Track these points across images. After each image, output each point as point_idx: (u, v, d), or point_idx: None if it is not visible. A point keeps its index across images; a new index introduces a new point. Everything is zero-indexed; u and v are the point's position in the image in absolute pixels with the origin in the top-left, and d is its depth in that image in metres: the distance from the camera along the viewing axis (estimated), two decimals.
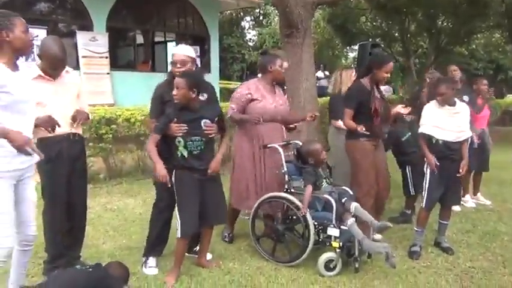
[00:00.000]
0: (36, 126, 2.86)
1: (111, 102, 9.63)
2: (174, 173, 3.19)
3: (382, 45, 17.40)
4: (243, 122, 3.90)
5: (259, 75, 4.15)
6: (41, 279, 3.14)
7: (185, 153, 3.19)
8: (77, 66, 9.89)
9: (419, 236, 3.88)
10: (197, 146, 3.19)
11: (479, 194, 5.63)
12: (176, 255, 3.29)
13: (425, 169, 3.85)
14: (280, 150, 3.73)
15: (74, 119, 3.15)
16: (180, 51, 3.46)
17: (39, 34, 7.79)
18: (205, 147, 3.23)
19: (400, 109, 3.97)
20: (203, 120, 3.22)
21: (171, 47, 12.15)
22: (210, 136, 3.26)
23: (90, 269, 2.82)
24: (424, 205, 3.87)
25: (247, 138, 3.90)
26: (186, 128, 3.15)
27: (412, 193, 4.76)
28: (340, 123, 4.36)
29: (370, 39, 16.53)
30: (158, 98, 3.43)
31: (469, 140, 5.28)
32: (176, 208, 3.22)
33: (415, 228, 3.92)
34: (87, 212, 3.56)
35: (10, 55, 2.41)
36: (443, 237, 4.03)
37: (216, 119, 3.30)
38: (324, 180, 3.76)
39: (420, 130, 3.87)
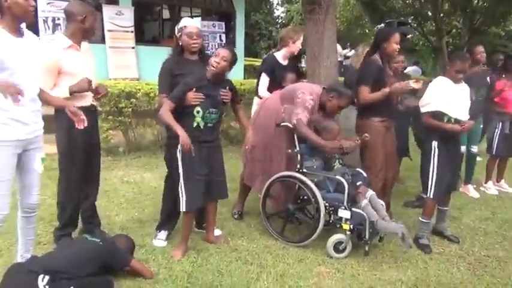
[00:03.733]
0: (72, 93, 3.00)
1: (135, 77, 9.68)
2: (179, 148, 3.14)
3: (413, 24, 16.91)
4: (310, 139, 3.54)
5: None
6: (53, 246, 3.21)
7: (201, 125, 3.18)
8: (102, 40, 9.95)
9: (426, 226, 3.68)
10: (213, 119, 3.22)
11: (502, 181, 5.45)
12: (183, 230, 3.32)
13: (432, 156, 3.58)
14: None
15: (96, 92, 3.20)
16: (193, 23, 3.42)
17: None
18: (217, 122, 3.28)
19: (412, 83, 3.79)
20: (221, 91, 3.25)
21: (198, 22, 12.08)
22: (225, 101, 3.27)
23: (100, 243, 2.87)
24: (431, 195, 3.60)
25: (269, 113, 3.85)
26: (203, 98, 3.13)
27: None
28: None
29: (402, 18, 16.07)
30: (167, 71, 3.37)
31: (499, 124, 5.11)
32: (182, 183, 3.17)
33: (421, 219, 3.68)
34: (104, 184, 3.60)
35: (10, 20, 2.40)
36: (444, 224, 3.86)
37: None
38: (337, 161, 3.70)
39: (430, 108, 3.56)
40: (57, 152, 3.21)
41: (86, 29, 3.09)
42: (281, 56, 4.30)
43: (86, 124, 2.66)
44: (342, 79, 6.63)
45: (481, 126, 5.14)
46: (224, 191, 3.45)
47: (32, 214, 2.79)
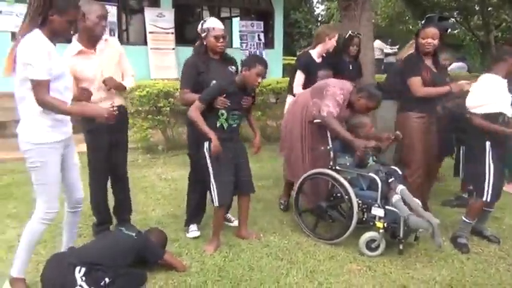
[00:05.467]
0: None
1: (175, 77, 9.91)
2: (207, 144, 3.24)
3: (458, 19, 16.32)
4: (337, 133, 3.52)
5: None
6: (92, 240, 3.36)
7: (225, 126, 3.28)
8: (144, 42, 10.25)
9: (467, 227, 3.54)
10: (235, 120, 3.33)
11: None
12: (214, 225, 3.38)
13: (487, 157, 3.38)
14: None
15: (104, 83, 3.19)
16: (220, 25, 3.46)
17: (110, 11, 8.14)
18: (240, 121, 3.39)
19: (464, 85, 3.68)
20: (244, 97, 3.35)
21: (237, 22, 12.21)
22: (245, 106, 3.37)
23: (135, 236, 2.97)
24: (488, 198, 3.38)
25: (297, 110, 3.85)
26: (229, 103, 3.23)
27: (460, 176, 4.48)
28: None
29: (446, 13, 15.56)
30: (193, 68, 3.43)
31: None
32: (212, 179, 3.26)
33: (465, 219, 3.52)
34: (143, 181, 3.70)
35: (49, 32, 2.43)
36: (484, 225, 3.71)
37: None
38: (371, 158, 3.65)
39: (487, 109, 3.34)
40: (87, 151, 3.36)
41: (88, 27, 3.05)
42: (316, 53, 4.29)
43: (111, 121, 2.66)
44: (379, 76, 6.54)
45: None
46: (251, 186, 3.51)
47: (78, 209, 2.91)
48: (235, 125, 3.33)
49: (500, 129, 3.33)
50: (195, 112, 3.21)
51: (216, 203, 3.26)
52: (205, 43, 3.45)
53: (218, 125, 3.27)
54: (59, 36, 2.49)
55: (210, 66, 3.43)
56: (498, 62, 3.44)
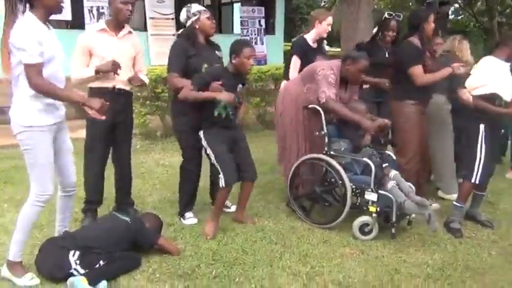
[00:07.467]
0: (97, 72, 3.14)
1: None
2: (203, 131, 3.30)
3: (461, 4, 16.13)
4: (345, 115, 3.49)
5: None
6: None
7: (223, 114, 3.30)
8: (144, 28, 10.20)
9: (460, 211, 3.57)
10: (232, 108, 3.35)
11: None
12: (217, 205, 3.43)
13: (480, 139, 3.41)
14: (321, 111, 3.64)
15: (130, 81, 3.36)
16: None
17: None
18: (236, 108, 3.42)
19: (457, 68, 3.64)
20: (239, 86, 3.39)
21: (238, 8, 12.11)
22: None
23: (129, 221, 3.00)
24: (477, 180, 3.43)
25: (289, 98, 3.85)
26: (224, 89, 3.24)
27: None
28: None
29: None
30: (182, 52, 3.42)
31: None
32: (215, 161, 3.31)
33: (456, 203, 3.58)
34: (140, 166, 3.73)
35: (41, 12, 2.48)
36: (478, 209, 3.72)
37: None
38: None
39: (485, 90, 3.36)
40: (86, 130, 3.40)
41: (113, 12, 3.23)
42: (311, 38, 4.26)
43: (102, 117, 2.71)
44: None
45: None
46: (253, 173, 3.54)
47: (71, 193, 2.92)
48: (231, 113, 3.34)
49: (496, 109, 3.35)
50: (187, 92, 3.23)
51: (223, 183, 3.28)
52: (197, 26, 3.45)
53: (216, 114, 3.28)
54: (53, 11, 2.52)
55: (199, 50, 3.45)
56: (500, 46, 3.47)
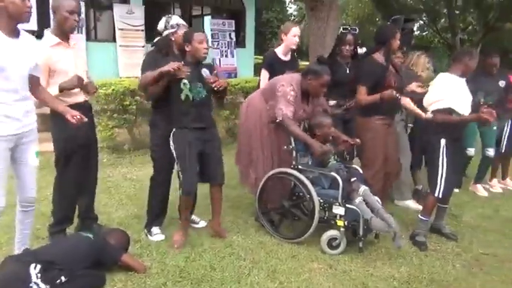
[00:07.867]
0: (62, 90, 3.01)
1: None
2: (172, 133, 3.30)
3: (426, 21, 16.68)
4: (297, 135, 3.50)
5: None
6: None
7: (190, 97, 3.27)
8: (113, 39, 10.08)
9: (425, 225, 3.63)
10: (199, 93, 3.31)
11: (508, 179, 5.36)
12: (182, 213, 3.43)
13: (441, 154, 3.47)
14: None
15: (85, 90, 3.21)
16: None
17: None
18: (206, 99, 3.37)
19: (416, 88, 3.76)
20: (203, 69, 3.35)
21: (208, 20, 12.13)
22: (212, 85, 3.30)
23: (92, 238, 2.92)
24: (440, 194, 3.49)
25: (254, 111, 3.85)
26: (189, 72, 3.23)
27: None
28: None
29: (415, 15, 15.87)
30: (152, 61, 3.38)
31: (510, 122, 5.02)
32: (177, 168, 3.30)
33: (421, 217, 3.64)
34: (107, 181, 3.65)
35: (5, 21, 2.44)
36: (442, 222, 3.81)
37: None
38: (332, 157, 3.69)
39: (441, 105, 3.42)
40: (54, 149, 3.25)
41: (59, 22, 3.02)
42: (281, 51, 4.31)
43: (84, 120, 2.70)
44: None
45: (494, 128, 4.90)
46: (221, 176, 3.49)
47: (29, 208, 2.84)
48: (198, 99, 3.30)
49: (456, 118, 3.45)
50: (143, 77, 3.28)
51: (181, 193, 3.28)
52: (173, 39, 3.44)
53: (183, 97, 3.26)
54: (18, 20, 2.49)
55: (170, 60, 3.37)
56: (454, 63, 3.59)
